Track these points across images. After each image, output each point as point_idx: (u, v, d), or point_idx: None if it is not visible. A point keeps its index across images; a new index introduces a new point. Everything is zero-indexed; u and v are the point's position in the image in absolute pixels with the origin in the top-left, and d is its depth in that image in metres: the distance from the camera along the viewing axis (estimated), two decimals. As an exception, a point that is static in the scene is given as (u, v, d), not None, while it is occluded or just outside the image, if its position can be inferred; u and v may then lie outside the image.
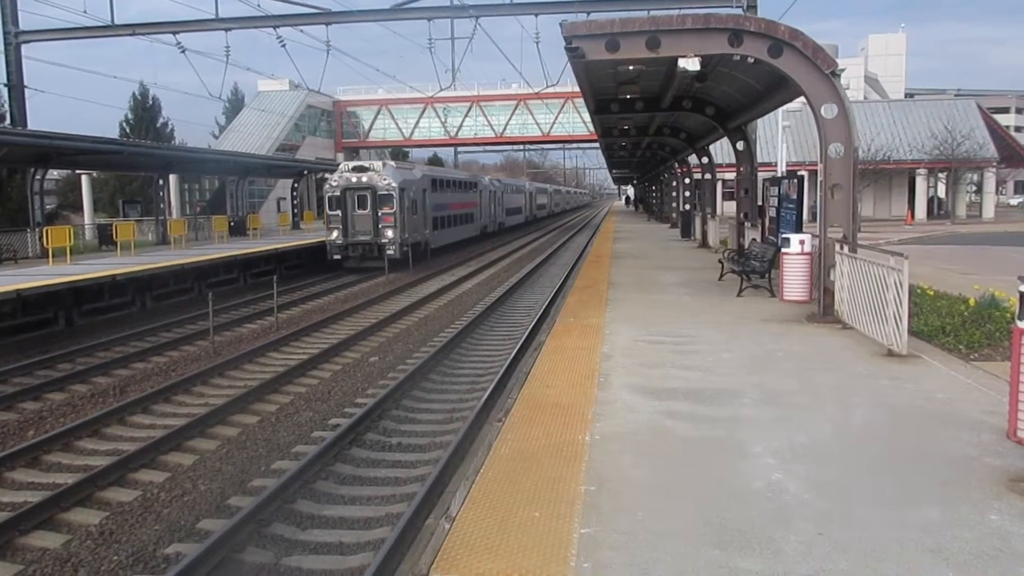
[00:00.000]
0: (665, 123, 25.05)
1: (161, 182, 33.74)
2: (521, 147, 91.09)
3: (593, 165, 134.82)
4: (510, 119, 68.22)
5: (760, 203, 18.69)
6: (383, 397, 10.60)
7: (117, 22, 29.87)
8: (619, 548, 4.31)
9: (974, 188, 62.97)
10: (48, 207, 38.79)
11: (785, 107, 21.01)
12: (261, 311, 19.21)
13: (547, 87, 32.21)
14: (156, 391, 11.48)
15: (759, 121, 22.16)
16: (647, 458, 5.77)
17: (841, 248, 11.00)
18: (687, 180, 33.68)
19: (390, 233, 27.65)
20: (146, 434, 9.78)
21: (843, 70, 10.91)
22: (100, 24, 29.81)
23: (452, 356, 13.81)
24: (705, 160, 27.39)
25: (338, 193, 27.92)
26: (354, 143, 69.39)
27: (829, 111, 10.78)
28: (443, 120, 68.34)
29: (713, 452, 5.86)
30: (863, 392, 7.51)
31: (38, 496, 7.67)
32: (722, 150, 33.19)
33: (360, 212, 27.89)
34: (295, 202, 45.33)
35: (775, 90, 13.90)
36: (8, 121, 31.50)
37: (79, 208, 47.86)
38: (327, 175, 33.82)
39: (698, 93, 18.07)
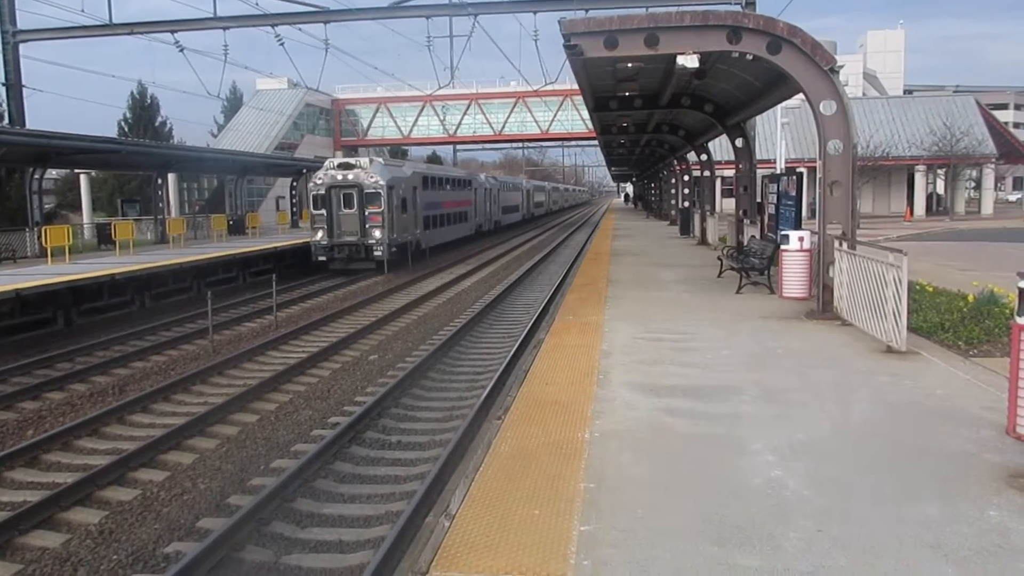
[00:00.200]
0: (664, 120, 25.05)
1: (160, 181, 33.74)
2: (520, 145, 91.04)
3: (592, 163, 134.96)
4: (509, 117, 68.14)
5: (759, 200, 18.70)
6: (383, 395, 10.60)
7: (115, 21, 29.85)
8: (618, 545, 4.31)
9: (973, 184, 63.00)
10: (47, 206, 38.78)
11: (784, 104, 21.00)
12: (260, 310, 19.20)
13: (546, 85, 32.24)
14: (155, 390, 11.47)
15: (758, 118, 22.15)
16: (646, 455, 5.77)
17: (840, 245, 11.00)
18: (686, 177, 33.68)
19: (378, 233, 26.36)
20: (145, 433, 9.77)
21: (842, 66, 10.90)
22: (98, 23, 29.79)
23: (451, 354, 13.81)
24: (704, 157, 27.40)
25: (323, 191, 26.67)
26: (353, 141, 69.31)
27: (828, 108, 10.77)
28: (442, 118, 68.27)
29: (712, 449, 5.86)
30: (862, 389, 7.51)
31: (37, 495, 7.67)
32: (721, 147, 33.18)
33: (346, 211, 26.64)
34: (294, 201, 45.27)
35: (774, 87, 13.90)
36: (6, 120, 31.46)
37: (78, 207, 47.85)
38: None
39: (697, 90, 18.07)
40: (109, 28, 29.98)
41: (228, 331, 16.82)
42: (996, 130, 54.35)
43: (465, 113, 68.21)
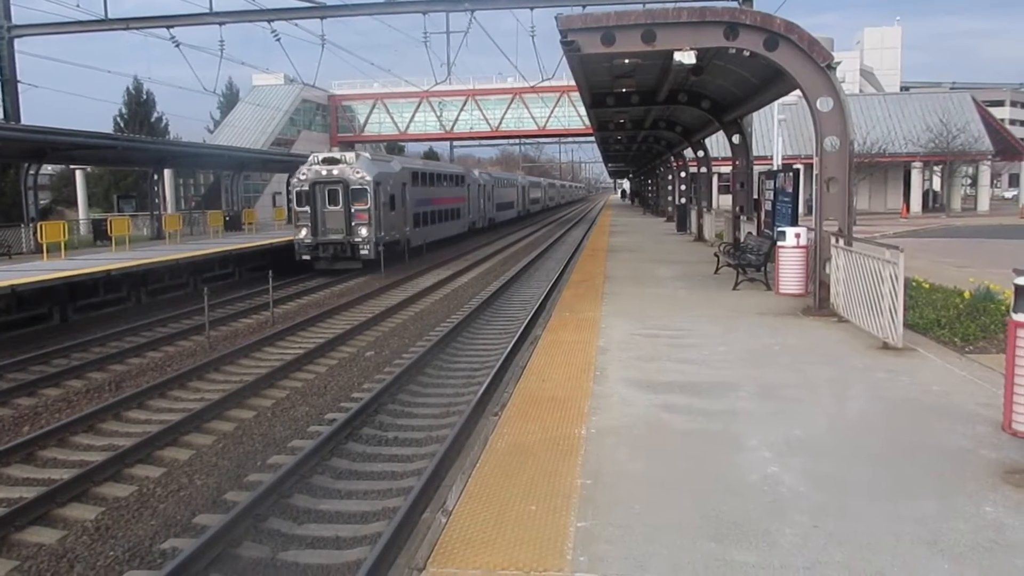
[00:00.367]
0: (661, 117, 25.03)
1: (156, 177, 33.66)
2: (517, 141, 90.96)
3: (589, 159, 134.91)
4: (506, 113, 68.11)
5: (756, 196, 18.69)
6: (379, 391, 10.60)
7: (111, 16, 29.70)
8: (615, 541, 4.32)
9: (969, 181, 63.10)
10: (42, 202, 38.66)
11: (781, 100, 21.01)
12: (256, 306, 19.17)
13: (543, 81, 32.27)
14: (151, 386, 11.46)
15: (755, 114, 22.11)
16: (643, 451, 5.77)
17: (837, 241, 11.01)
18: (683, 174, 33.69)
19: (364, 231, 25.31)
20: (142, 429, 9.76)
21: (839, 63, 10.90)
22: (93, 18, 29.67)
23: (448, 351, 13.80)
24: (701, 154, 27.39)
25: (306, 187, 25.54)
26: (349, 137, 69.19)
27: (825, 104, 10.77)
28: (439, 114, 68.21)
29: (709, 445, 5.86)
30: (859, 385, 7.52)
31: (33, 492, 7.66)
32: (718, 144, 33.19)
33: (331, 208, 25.54)
34: (290, 197, 45.10)
35: (771, 83, 13.89)
36: (1, 116, 31.32)
37: (73, 203, 47.73)
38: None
39: (694, 87, 18.06)
40: (105, 23, 29.85)
41: (224, 327, 16.80)
42: (992, 127, 54.41)
43: (462, 109, 68.15)
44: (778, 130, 34.86)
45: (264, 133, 58.52)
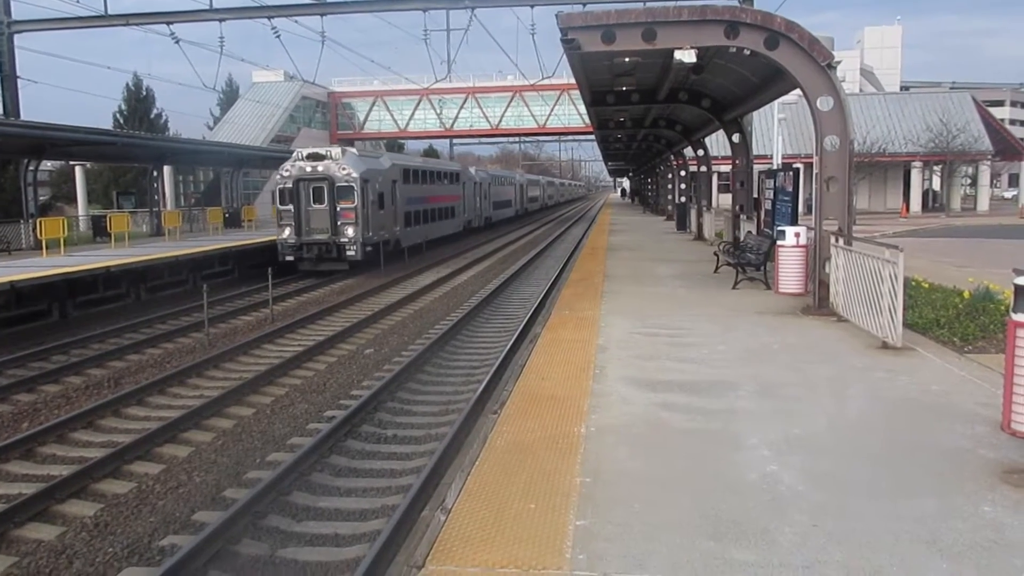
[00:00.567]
0: (661, 115, 25.03)
1: (155, 173, 33.67)
2: (517, 139, 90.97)
3: (589, 157, 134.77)
4: (506, 111, 68.13)
5: (756, 195, 18.69)
6: (378, 389, 10.60)
7: (110, 12, 29.67)
8: (614, 540, 4.32)
9: (969, 181, 63.12)
10: (42, 198, 38.59)
11: (781, 99, 20.99)
12: (256, 303, 19.17)
13: (543, 79, 32.22)
14: (151, 383, 11.46)
15: (755, 113, 22.07)
16: (642, 450, 5.78)
17: (836, 241, 11.01)
18: (683, 172, 33.69)
19: (351, 231, 24.05)
20: (141, 426, 9.76)
21: (839, 62, 10.89)
22: (93, 14, 29.62)
23: (447, 348, 13.81)
24: (701, 152, 27.38)
25: (290, 185, 24.33)
26: (349, 135, 69.20)
27: (825, 103, 10.77)
28: (438, 112, 68.19)
29: (708, 444, 5.87)
30: (858, 384, 7.52)
31: (33, 488, 7.66)
32: (718, 142, 33.19)
33: (316, 207, 24.31)
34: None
35: (771, 82, 13.89)
36: (1, 112, 31.30)
37: (73, 199, 47.70)
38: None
39: (694, 85, 18.05)
40: (105, 19, 29.82)
41: (224, 324, 16.80)
42: (992, 127, 54.43)
43: (462, 107, 68.16)
44: (778, 129, 34.78)
45: (264, 130, 58.52)
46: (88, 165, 45.94)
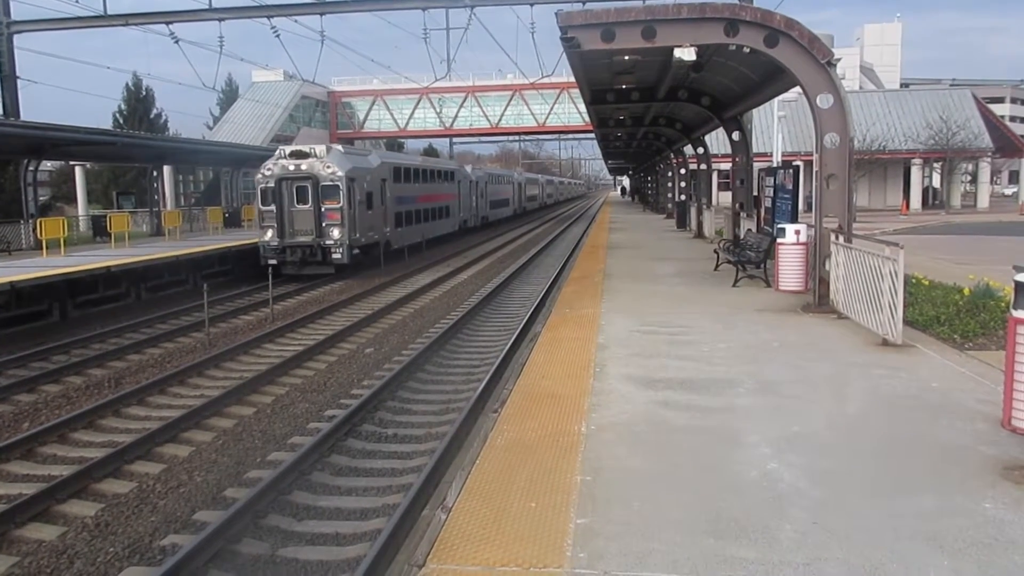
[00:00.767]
0: (661, 113, 25.02)
1: (155, 173, 33.67)
2: (516, 138, 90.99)
3: (589, 155, 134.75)
4: (505, 110, 68.12)
5: (756, 193, 18.69)
6: (379, 388, 10.60)
7: (110, 12, 29.67)
8: (615, 538, 4.32)
9: (969, 178, 63.04)
10: (42, 198, 38.60)
11: (781, 97, 20.97)
12: (256, 302, 19.17)
13: (542, 77, 32.19)
14: (151, 383, 11.46)
15: (755, 111, 22.07)
16: (643, 448, 5.78)
17: (836, 238, 11.01)
18: (683, 170, 33.68)
19: (336, 233, 22.82)
20: (141, 426, 9.76)
21: (839, 60, 10.88)
22: (93, 14, 29.61)
23: (448, 347, 13.81)
24: (701, 150, 27.37)
25: (272, 184, 22.92)
26: (349, 134, 69.21)
27: (825, 101, 10.76)
28: (438, 111, 68.21)
29: (709, 442, 5.87)
30: (858, 382, 7.52)
31: (33, 488, 7.66)
32: (718, 140, 33.15)
33: (299, 207, 22.96)
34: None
35: (771, 80, 13.88)
36: (1, 112, 31.30)
37: (73, 199, 47.74)
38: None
39: (694, 83, 18.04)
40: (104, 19, 29.81)
41: (224, 324, 16.80)
42: (992, 124, 54.38)
43: (462, 106, 68.15)
44: (778, 127, 34.73)
45: (264, 130, 58.53)
46: (88, 165, 45.97)
